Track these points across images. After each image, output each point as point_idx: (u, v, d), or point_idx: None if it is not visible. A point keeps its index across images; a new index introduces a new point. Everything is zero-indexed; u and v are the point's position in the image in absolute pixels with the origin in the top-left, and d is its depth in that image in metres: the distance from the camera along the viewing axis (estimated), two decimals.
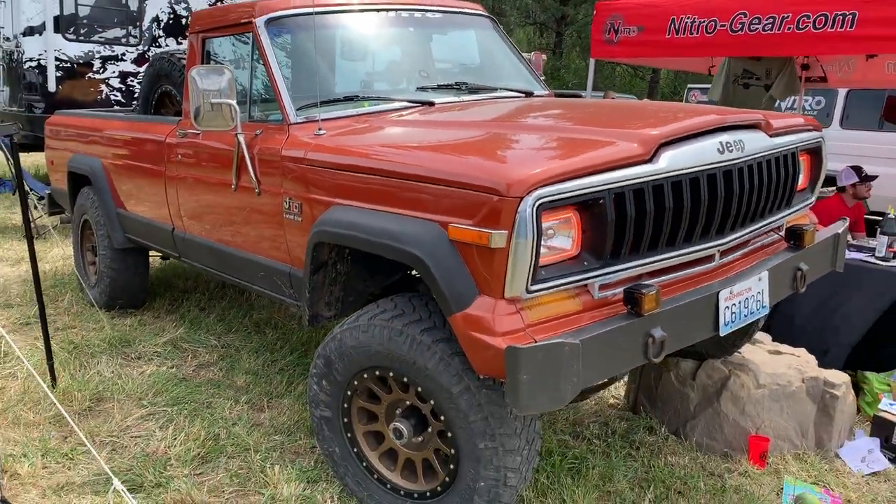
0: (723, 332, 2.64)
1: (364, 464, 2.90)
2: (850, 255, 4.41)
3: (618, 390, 4.15)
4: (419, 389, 2.59)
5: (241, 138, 3.30)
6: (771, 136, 2.92)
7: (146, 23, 9.01)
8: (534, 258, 2.19)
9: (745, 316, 2.74)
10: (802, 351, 3.90)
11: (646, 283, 2.42)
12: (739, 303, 2.70)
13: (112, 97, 8.87)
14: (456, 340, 2.38)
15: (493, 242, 2.20)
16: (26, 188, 3.89)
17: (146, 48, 9.04)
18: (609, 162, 2.33)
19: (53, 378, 3.95)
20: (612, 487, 3.16)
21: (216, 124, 3.23)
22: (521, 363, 2.08)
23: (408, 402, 2.73)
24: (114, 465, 3.20)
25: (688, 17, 5.91)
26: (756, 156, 2.77)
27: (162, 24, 9.14)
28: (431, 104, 3.46)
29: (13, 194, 9.49)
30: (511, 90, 3.92)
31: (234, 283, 3.88)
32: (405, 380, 2.62)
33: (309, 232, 2.96)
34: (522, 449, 2.54)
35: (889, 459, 3.52)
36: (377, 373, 2.72)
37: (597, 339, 2.21)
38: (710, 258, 2.73)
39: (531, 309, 2.28)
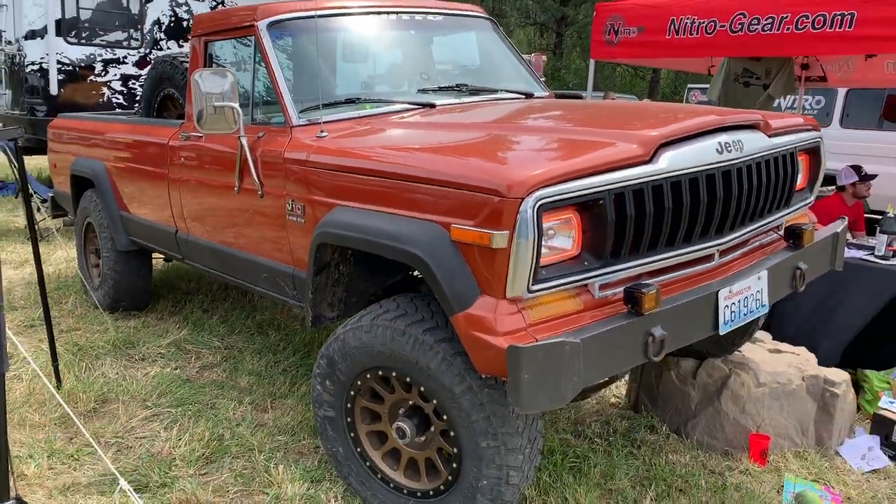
0: (722, 330, 2.66)
1: (367, 463, 2.93)
2: (849, 253, 4.43)
3: (619, 389, 4.17)
4: (422, 389, 2.62)
5: (244, 141, 3.33)
6: (770, 136, 2.95)
7: (147, 26, 9.03)
8: (535, 258, 2.21)
9: (745, 315, 2.76)
10: (802, 349, 3.92)
11: (646, 282, 2.44)
12: (739, 302, 2.72)
13: (113, 100, 8.89)
14: (458, 340, 2.40)
15: (494, 243, 2.22)
16: (29, 191, 3.91)
17: (147, 51, 9.06)
18: (609, 163, 2.36)
19: (58, 380, 3.98)
20: (613, 485, 3.19)
21: (219, 127, 3.25)
22: (522, 362, 2.10)
23: (410, 402, 2.75)
24: (119, 465, 3.23)
25: (687, 18, 5.93)
26: (755, 156, 2.80)
27: (163, 27, 9.16)
28: (432, 106, 3.48)
29: (16, 197, 9.52)
30: (511, 92, 3.94)
31: (238, 284, 3.91)
32: (408, 380, 2.65)
33: (312, 233, 2.98)
34: (524, 447, 2.56)
35: (889, 457, 3.55)
36: (380, 373, 2.74)
37: (597, 338, 2.23)
38: (709, 258, 2.75)
39: (532, 308, 2.30)
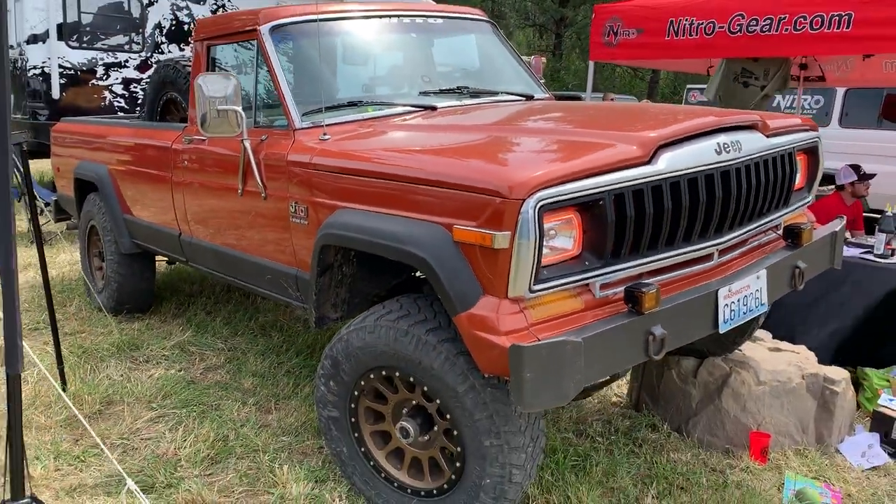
0: (722, 329, 2.69)
1: (371, 463, 2.95)
2: (848, 252, 4.46)
3: (620, 388, 4.20)
4: (425, 389, 2.64)
5: (247, 144, 3.36)
6: (768, 136, 2.97)
7: (149, 29, 9.07)
8: (536, 258, 2.24)
9: (745, 313, 2.79)
10: (802, 348, 3.95)
11: (646, 281, 2.47)
12: (738, 300, 2.74)
13: (115, 104, 8.93)
14: (461, 340, 2.43)
15: (496, 243, 2.25)
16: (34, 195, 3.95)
17: (149, 55, 9.10)
18: (609, 164, 2.39)
19: (64, 382, 4.01)
20: (615, 484, 3.21)
21: (222, 130, 3.28)
22: (524, 361, 2.13)
23: (414, 402, 2.77)
24: (125, 466, 3.25)
25: (686, 20, 5.96)
26: (753, 156, 2.82)
27: (164, 31, 9.20)
28: (434, 108, 3.51)
29: (18, 201, 9.55)
30: (512, 94, 3.97)
31: (241, 286, 3.94)
32: (411, 379, 2.67)
33: (315, 235, 3.01)
34: (527, 446, 2.59)
35: (889, 454, 3.57)
36: (383, 373, 2.77)
37: (598, 336, 2.26)
38: (708, 257, 2.77)
39: (534, 308, 2.33)
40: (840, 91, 9.30)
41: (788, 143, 3.09)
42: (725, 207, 2.72)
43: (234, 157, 3.57)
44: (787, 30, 5.30)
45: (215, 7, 9.50)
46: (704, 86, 7.47)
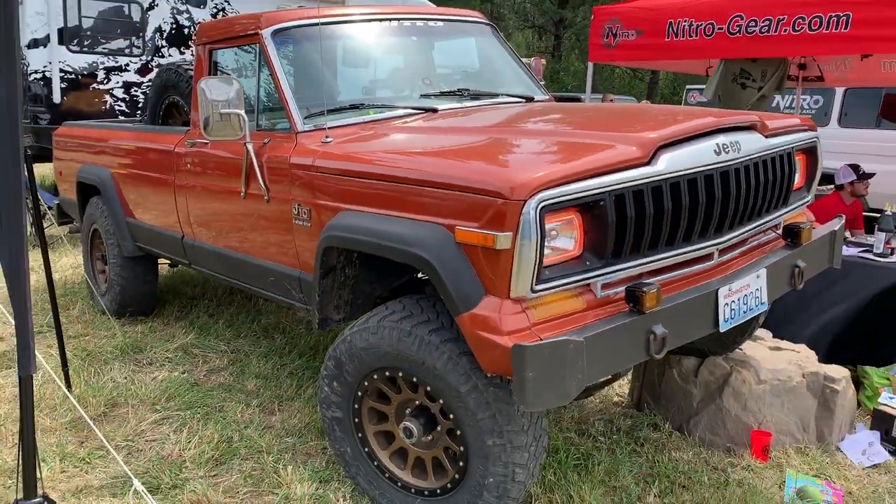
0: (723, 328, 2.71)
1: (375, 463, 2.97)
2: (848, 251, 4.48)
3: (622, 388, 4.22)
4: (428, 389, 2.66)
5: (250, 147, 3.38)
6: (767, 136, 3.00)
7: (149, 33, 9.09)
8: (538, 259, 2.26)
9: (745, 312, 2.81)
10: (802, 347, 3.97)
11: (646, 281, 2.49)
12: (738, 300, 2.76)
13: (116, 107, 8.95)
14: (463, 340, 2.45)
15: (498, 244, 2.28)
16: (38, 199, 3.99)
17: (149, 58, 9.13)
18: (609, 165, 2.41)
19: (69, 385, 4.03)
20: (617, 483, 3.23)
21: (225, 134, 3.30)
22: (527, 361, 2.15)
23: (417, 402, 2.80)
24: (130, 468, 3.27)
25: (685, 21, 5.99)
26: (752, 156, 2.85)
27: (165, 35, 9.22)
28: (435, 111, 3.54)
29: None
30: (512, 96, 4.00)
31: (244, 288, 3.96)
32: (414, 380, 2.69)
33: (318, 237, 3.03)
34: (530, 445, 2.61)
35: (889, 452, 3.59)
36: (387, 373, 2.79)
37: (600, 336, 2.28)
38: (708, 257, 2.80)
39: (536, 308, 2.35)
40: (839, 91, 9.33)
41: (787, 143, 3.11)
42: (725, 207, 2.74)
43: (236, 160, 3.59)
44: (785, 30, 5.32)
45: (215, 11, 9.53)
46: (704, 86, 7.50)
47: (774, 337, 4.14)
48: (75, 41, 8.58)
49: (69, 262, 6.87)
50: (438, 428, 2.76)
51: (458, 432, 2.63)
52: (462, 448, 2.65)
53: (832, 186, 6.11)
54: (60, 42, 8.47)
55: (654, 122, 2.85)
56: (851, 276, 4.34)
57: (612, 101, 12.57)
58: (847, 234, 5.13)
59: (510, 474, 2.59)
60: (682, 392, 3.76)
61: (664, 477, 3.28)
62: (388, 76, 3.99)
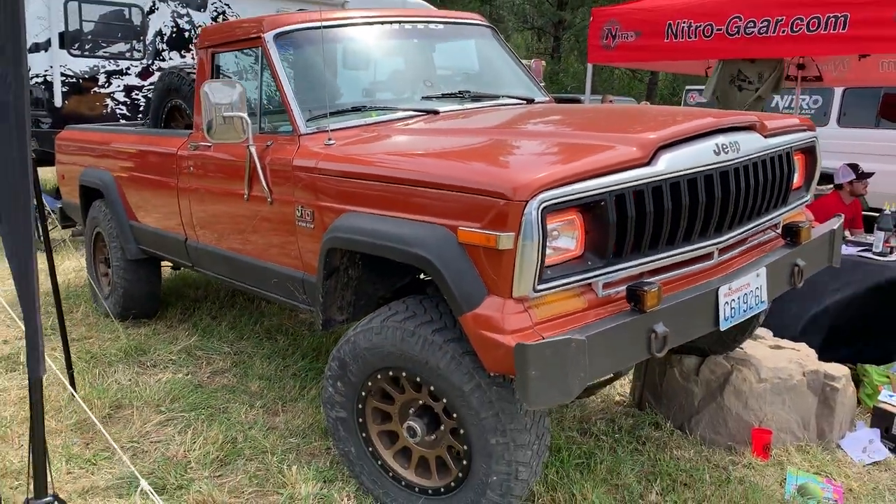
0: (723, 326, 2.73)
1: (379, 462, 3.00)
2: (847, 250, 4.51)
3: (623, 388, 4.24)
4: (431, 388, 2.69)
5: (253, 150, 3.41)
6: (766, 136, 3.02)
7: (150, 37, 9.12)
8: (540, 259, 2.29)
9: (745, 311, 2.83)
10: (803, 345, 3.99)
11: (647, 280, 2.51)
12: (738, 298, 2.79)
13: (117, 111, 8.98)
14: (466, 340, 2.47)
15: (500, 244, 2.30)
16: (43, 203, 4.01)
17: (150, 62, 9.16)
18: (609, 165, 2.44)
19: (73, 387, 4.05)
20: (619, 481, 3.25)
21: (228, 137, 3.33)
22: (529, 359, 2.18)
23: (420, 402, 2.82)
24: (136, 469, 3.29)
25: (684, 22, 6.02)
26: (751, 156, 2.87)
27: (165, 38, 9.25)
28: (436, 113, 3.56)
29: None
30: (513, 97, 4.03)
31: (248, 290, 3.99)
32: (418, 379, 2.72)
33: (321, 238, 3.06)
34: (532, 444, 2.63)
35: (889, 449, 3.61)
36: (390, 373, 2.81)
37: (602, 335, 2.31)
38: (709, 256, 2.82)
39: (538, 307, 2.37)
40: (838, 91, 9.36)
41: (786, 142, 3.14)
42: (725, 207, 2.77)
43: (239, 162, 3.62)
44: (783, 31, 5.35)
45: (216, 14, 9.56)
46: (703, 87, 7.53)
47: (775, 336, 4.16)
48: (76, 45, 8.60)
49: (72, 266, 6.89)
50: (442, 427, 2.78)
51: (462, 431, 2.65)
52: (465, 447, 2.68)
53: (831, 186, 6.14)
54: (61, 46, 8.49)
55: (654, 123, 2.87)
56: (851, 275, 4.36)
57: (611, 102, 12.60)
58: (846, 233, 5.15)
59: (513, 472, 2.61)
60: (683, 391, 3.78)
61: (666, 475, 3.31)
62: (390, 78, 4.02)
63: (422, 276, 3.34)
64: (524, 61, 4.53)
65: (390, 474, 2.97)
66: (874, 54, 6.32)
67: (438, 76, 4.05)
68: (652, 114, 3.41)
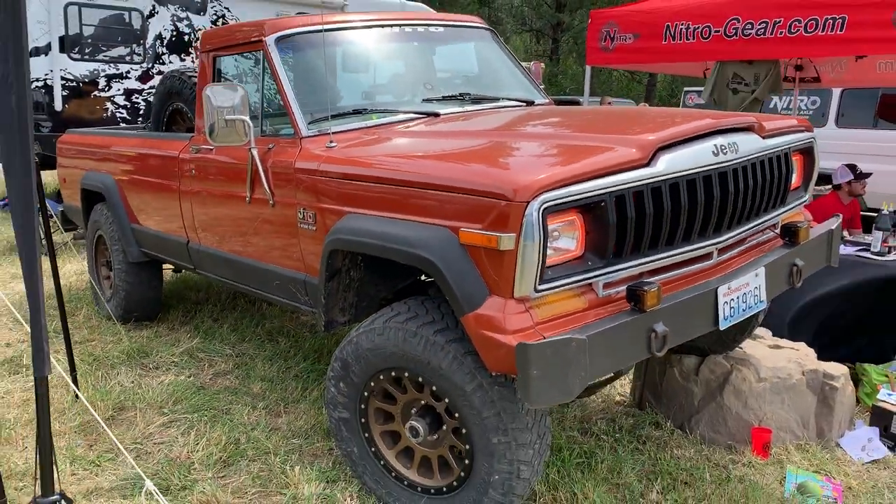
0: (722, 325, 2.76)
1: (382, 462, 3.02)
2: (845, 250, 4.53)
3: (624, 388, 4.26)
4: (433, 389, 2.71)
5: (255, 152, 3.43)
6: (764, 137, 3.05)
7: (149, 41, 9.15)
8: (541, 259, 2.31)
9: (744, 310, 2.86)
10: (802, 345, 4.01)
11: (647, 280, 2.53)
12: (738, 298, 2.81)
13: (117, 115, 9.01)
14: (468, 340, 2.50)
15: (502, 245, 2.32)
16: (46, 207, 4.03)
17: (150, 65, 9.19)
18: (609, 166, 2.46)
19: (77, 389, 4.07)
20: (620, 480, 3.27)
21: (230, 140, 3.35)
22: (531, 359, 2.20)
23: (423, 402, 2.84)
24: (140, 470, 3.32)
25: (682, 24, 6.04)
26: (750, 157, 2.89)
27: (165, 42, 9.29)
28: (437, 115, 3.59)
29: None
30: (513, 100, 4.05)
31: (249, 292, 4.01)
32: (420, 380, 2.74)
33: (323, 240, 3.08)
34: (534, 443, 2.65)
35: (888, 447, 3.63)
36: (393, 374, 2.83)
37: (602, 334, 2.33)
38: (708, 256, 2.84)
39: (539, 308, 2.39)
40: (836, 92, 9.39)
41: (784, 143, 3.16)
42: (723, 207, 2.79)
43: (241, 165, 3.64)
44: (781, 33, 5.38)
45: (215, 18, 9.59)
46: (701, 88, 7.56)
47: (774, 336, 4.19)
48: (76, 49, 8.64)
49: (73, 269, 6.91)
50: (444, 427, 2.80)
51: (464, 431, 2.67)
52: (467, 446, 2.70)
53: (830, 186, 6.17)
54: (62, 50, 8.52)
55: (653, 125, 2.90)
56: (850, 274, 4.38)
57: (610, 103, 12.63)
58: (845, 233, 5.18)
59: (515, 471, 2.63)
60: (683, 390, 3.80)
61: (666, 474, 3.33)
62: (390, 81, 4.05)
63: (423, 277, 3.36)
64: (524, 63, 4.55)
65: (393, 474, 2.99)
66: (871, 55, 6.35)
67: (439, 79, 4.07)
68: (651, 115, 3.43)
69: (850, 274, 4.35)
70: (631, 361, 2.54)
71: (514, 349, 2.24)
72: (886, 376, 4.07)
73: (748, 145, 2.89)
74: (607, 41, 6.80)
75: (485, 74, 4.36)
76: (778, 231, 3.28)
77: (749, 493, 3.17)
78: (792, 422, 3.66)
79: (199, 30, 9.38)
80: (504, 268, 2.35)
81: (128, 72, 9.08)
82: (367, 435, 3.03)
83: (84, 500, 3.14)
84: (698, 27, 5.97)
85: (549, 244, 2.33)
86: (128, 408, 4.01)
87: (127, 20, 9.05)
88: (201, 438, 3.63)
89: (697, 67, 7.74)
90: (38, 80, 8.51)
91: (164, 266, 5.32)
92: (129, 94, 9.09)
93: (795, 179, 3.43)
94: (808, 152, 3.47)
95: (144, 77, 9.11)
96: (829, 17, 5.09)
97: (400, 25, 3.94)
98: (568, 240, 2.44)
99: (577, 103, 10.98)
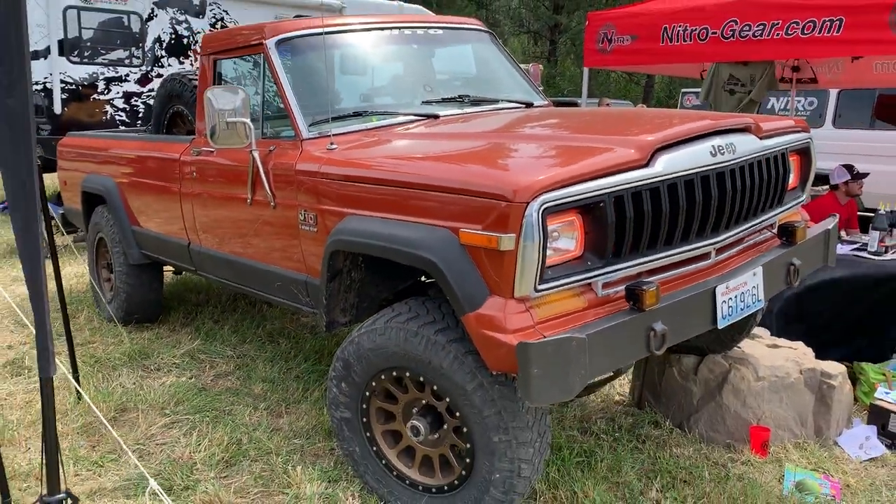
0: (721, 324, 2.78)
1: (383, 462, 3.04)
2: (842, 249, 4.56)
3: (623, 387, 4.29)
4: (435, 388, 2.73)
5: (256, 154, 3.46)
6: (761, 138, 3.07)
7: (148, 43, 9.17)
8: (541, 259, 2.33)
9: (742, 309, 2.88)
10: (800, 344, 4.04)
11: (646, 280, 2.56)
12: (736, 297, 2.84)
13: (116, 117, 9.02)
14: (469, 339, 2.52)
15: (502, 245, 2.35)
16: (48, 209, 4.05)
17: (149, 68, 9.21)
18: (608, 167, 2.48)
19: (79, 391, 4.09)
20: (620, 479, 3.30)
21: (232, 142, 3.37)
22: (531, 358, 2.22)
23: (424, 401, 2.86)
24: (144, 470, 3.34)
25: (680, 26, 6.07)
26: (747, 157, 2.92)
27: (164, 45, 9.30)
28: (436, 117, 3.61)
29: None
30: (512, 101, 4.08)
31: (251, 293, 4.03)
32: (421, 379, 2.76)
33: (324, 242, 3.10)
34: (534, 441, 2.68)
35: (886, 445, 3.65)
36: (394, 373, 2.85)
37: (602, 333, 2.35)
38: (706, 255, 2.86)
39: (539, 307, 2.42)
40: (833, 92, 9.43)
41: (781, 144, 3.19)
42: (721, 207, 2.81)
43: (242, 167, 3.66)
44: (778, 35, 5.41)
45: (214, 20, 9.61)
46: (699, 89, 7.60)
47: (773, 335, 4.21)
48: (76, 52, 8.65)
49: (74, 271, 6.93)
50: (445, 426, 2.82)
51: (465, 430, 2.69)
52: (468, 445, 2.72)
53: (827, 187, 6.20)
54: (61, 53, 8.53)
55: (651, 126, 2.92)
56: (847, 274, 4.41)
57: (608, 105, 12.67)
58: (842, 233, 5.21)
59: (516, 470, 2.65)
60: (682, 390, 3.83)
61: (666, 472, 3.35)
62: (390, 83, 4.07)
63: (423, 278, 3.38)
64: (522, 65, 4.58)
65: (394, 473, 3.02)
66: (867, 56, 6.38)
67: (438, 81, 4.09)
68: (649, 116, 3.46)
69: (838, 269, 4.37)
70: (630, 360, 2.57)
71: (515, 348, 2.26)
72: (884, 375, 4.10)
73: (745, 146, 2.92)
74: (605, 43, 6.83)
75: (483, 76, 4.39)
76: (775, 231, 3.31)
77: (748, 491, 3.19)
78: (790, 420, 3.69)
79: (198, 33, 9.40)
80: (504, 268, 2.37)
81: (127, 75, 9.09)
82: (368, 434, 3.05)
83: (88, 500, 3.16)
84: (696, 29, 6.00)
85: (548, 244, 2.36)
86: (130, 409, 4.03)
87: (126, 23, 9.07)
88: (203, 439, 3.65)
89: (695, 69, 7.78)
90: (37, 83, 8.52)
91: (165, 268, 5.33)
92: (128, 97, 9.10)
93: (792, 180, 3.45)
94: (805, 153, 3.49)
95: (143, 80, 9.13)
96: (827, 18, 5.13)
97: (399, 28, 3.97)
98: (567, 240, 2.46)
99: (575, 105, 11.01)
